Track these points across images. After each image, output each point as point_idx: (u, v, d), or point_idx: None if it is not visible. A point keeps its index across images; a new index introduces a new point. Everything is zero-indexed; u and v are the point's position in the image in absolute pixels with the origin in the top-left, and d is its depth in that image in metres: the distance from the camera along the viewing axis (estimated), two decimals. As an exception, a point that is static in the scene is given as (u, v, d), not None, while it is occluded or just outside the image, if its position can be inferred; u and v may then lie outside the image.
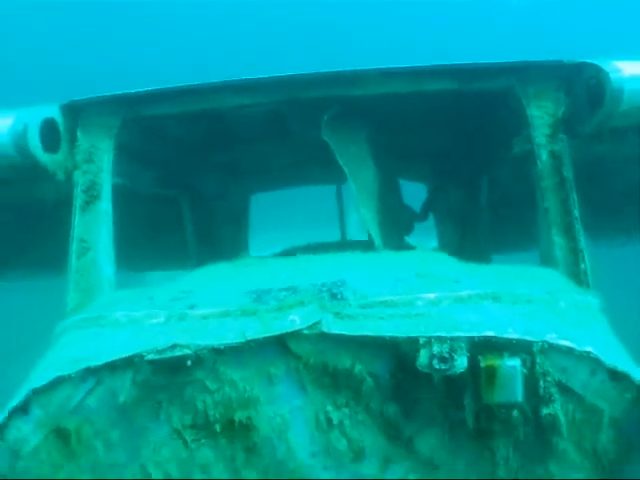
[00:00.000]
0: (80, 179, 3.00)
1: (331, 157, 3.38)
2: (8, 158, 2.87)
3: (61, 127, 3.01)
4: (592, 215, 3.02)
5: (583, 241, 2.75)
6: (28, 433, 2.07)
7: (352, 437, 2.05)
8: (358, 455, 2.06)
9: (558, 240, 2.77)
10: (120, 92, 3.01)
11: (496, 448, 2.03)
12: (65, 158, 3.03)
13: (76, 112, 3.04)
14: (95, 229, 2.93)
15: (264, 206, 5.34)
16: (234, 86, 3.00)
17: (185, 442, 2.06)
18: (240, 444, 2.05)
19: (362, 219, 3.22)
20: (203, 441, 2.06)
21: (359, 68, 2.92)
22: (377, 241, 3.15)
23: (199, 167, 4.29)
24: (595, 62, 2.73)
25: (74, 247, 2.91)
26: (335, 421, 2.04)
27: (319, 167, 4.44)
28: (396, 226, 3.92)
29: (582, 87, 2.80)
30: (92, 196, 2.99)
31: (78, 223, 2.94)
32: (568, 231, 2.77)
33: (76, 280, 2.86)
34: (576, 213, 2.77)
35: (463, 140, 3.95)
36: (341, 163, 3.18)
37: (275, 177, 4.78)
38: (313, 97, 3.01)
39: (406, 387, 2.04)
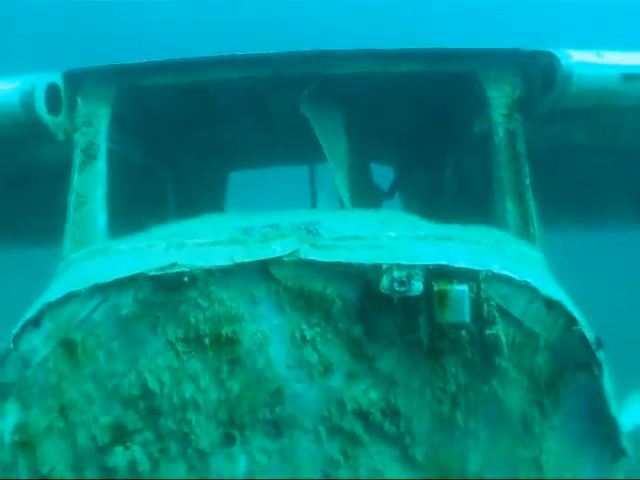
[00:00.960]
0: (79, 140, 3.28)
1: (305, 138, 3.72)
2: (15, 116, 3.15)
3: (62, 93, 3.29)
4: (551, 205, 3.43)
5: (533, 207, 3.13)
6: (38, 345, 2.38)
7: (322, 353, 2.40)
8: (327, 369, 2.40)
9: (510, 207, 3.15)
10: (115, 63, 3.32)
11: (447, 366, 2.39)
12: (65, 121, 3.30)
13: (76, 80, 3.32)
14: (92, 185, 3.22)
15: (240, 186, 5.65)
16: (220, 60, 3.30)
17: (177, 353, 2.38)
18: (225, 357, 2.38)
19: (334, 185, 3.56)
20: (193, 353, 2.39)
21: (335, 48, 3.27)
22: (347, 204, 3.51)
23: (181, 142, 4.58)
24: (549, 50, 3.13)
25: (72, 200, 3.19)
26: (308, 338, 2.39)
27: (293, 148, 4.78)
28: (365, 201, 4.28)
29: (537, 72, 3.18)
30: (90, 155, 3.27)
31: (76, 179, 3.22)
32: (520, 198, 3.15)
33: (73, 231, 3.14)
34: (527, 182, 3.16)
35: (428, 123, 4.31)
36: (317, 135, 3.53)
37: (251, 156, 5.09)
38: (293, 74, 3.34)
39: (370, 311, 2.39)
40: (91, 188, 3.21)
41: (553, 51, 3.09)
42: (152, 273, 2.31)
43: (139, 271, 2.34)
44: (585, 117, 3.37)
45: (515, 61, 3.25)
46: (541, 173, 3.42)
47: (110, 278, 2.35)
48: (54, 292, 2.40)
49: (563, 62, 3.01)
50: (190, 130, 4.44)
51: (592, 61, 3.05)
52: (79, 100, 3.31)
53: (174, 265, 2.32)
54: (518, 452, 2.43)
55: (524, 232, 3.08)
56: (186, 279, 2.32)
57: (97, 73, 3.32)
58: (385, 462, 2.45)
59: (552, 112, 3.24)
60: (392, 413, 2.43)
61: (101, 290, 2.35)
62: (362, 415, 2.42)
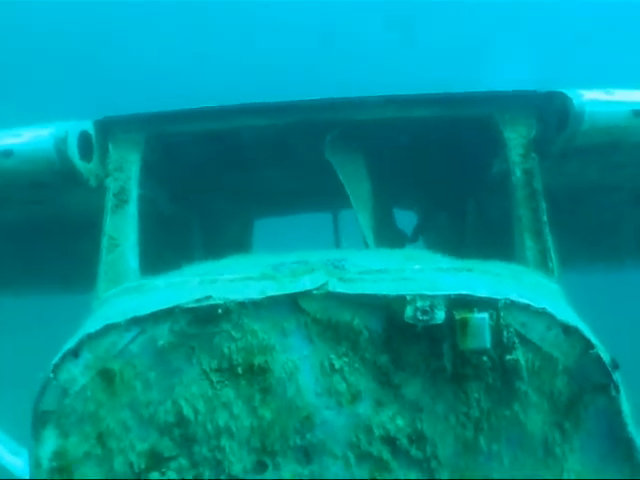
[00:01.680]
0: (111, 184, 3.48)
1: (328, 185, 3.91)
2: (49, 161, 3.35)
3: (94, 140, 3.51)
4: (570, 244, 3.56)
5: (551, 242, 3.27)
6: (77, 374, 2.54)
7: (350, 381, 2.52)
8: (355, 397, 2.53)
9: (529, 243, 3.29)
10: (144, 112, 3.55)
11: (470, 391, 2.50)
12: (97, 167, 3.52)
13: (107, 128, 3.55)
14: (123, 228, 3.41)
15: (265, 234, 5.85)
16: (245, 108, 3.52)
17: (211, 382, 2.52)
18: (257, 385, 2.51)
19: (359, 230, 3.73)
20: (226, 382, 2.52)
21: (358, 95, 3.49)
22: (372, 245, 3.67)
23: (208, 189, 4.80)
24: (562, 90, 3.31)
25: (104, 243, 3.38)
26: (336, 367, 2.52)
27: (317, 195, 4.98)
28: (389, 245, 4.43)
29: (551, 112, 3.36)
30: (122, 200, 3.47)
31: (109, 223, 3.41)
32: (538, 235, 3.29)
33: (105, 271, 3.32)
34: (545, 219, 3.30)
35: (448, 166, 4.49)
36: (341, 179, 3.72)
37: (276, 203, 5.29)
38: (316, 120, 3.56)
39: (395, 340, 2.52)
40: (123, 231, 3.39)
41: (565, 91, 3.26)
42: (188, 306, 2.48)
43: (175, 304, 2.50)
44: (599, 154, 3.52)
45: (529, 103, 3.43)
46: (560, 213, 3.57)
47: (147, 311, 2.52)
48: (92, 324, 2.57)
49: (575, 101, 3.18)
50: (216, 177, 4.65)
51: (602, 99, 3.22)
52: (110, 147, 3.53)
53: (209, 298, 2.48)
54: (540, 474, 2.51)
55: (542, 266, 3.20)
56: (220, 311, 2.47)
57: (127, 121, 3.54)
58: None
59: (566, 150, 3.40)
60: (418, 438, 2.53)
61: (138, 322, 2.52)
62: (389, 441, 2.52)
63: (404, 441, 2.53)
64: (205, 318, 2.50)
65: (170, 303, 2.52)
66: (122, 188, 3.49)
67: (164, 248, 4.73)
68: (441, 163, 4.42)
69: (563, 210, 4.35)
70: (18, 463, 3.95)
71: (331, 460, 2.53)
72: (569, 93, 3.24)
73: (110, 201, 3.46)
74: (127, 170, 3.51)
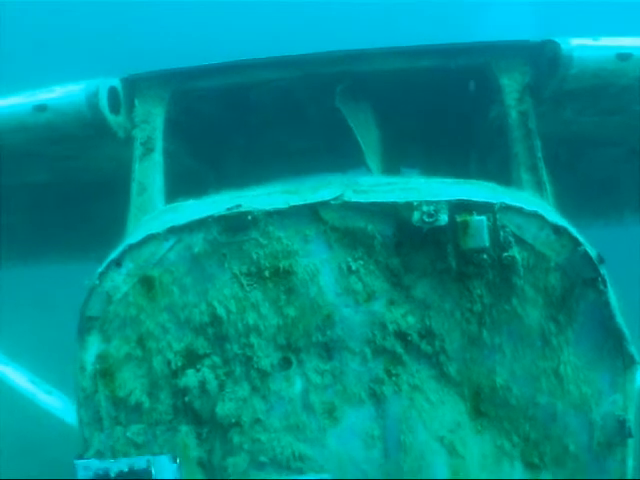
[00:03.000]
0: (138, 135, 3.82)
1: (338, 145, 4.23)
2: (81, 114, 3.71)
3: (121, 95, 3.85)
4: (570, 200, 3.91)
5: (545, 176, 3.61)
6: (120, 282, 2.88)
7: (366, 282, 2.86)
8: (370, 296, 2.87)
9: (525, 177, 3.63)
10: (167, 68, 3.88)
11: (473, 288, 2.85)
12: (124, 120, 3.86)
13: (133, 84, 3.89)
14: (150, 174, 3.74)
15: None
16: (261, 62, 3.84)
17: (241, 285, 2.86)
18: (283, 287, 2.85)
19: (369, 170, 4.06)
20: (255, 285, 2.86)
21: (364, 47, 3.84)
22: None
23: (224, 146, 5.13)
24: (553, 38, 3.65)
25: (134, 188, 3.72)
26: (353, 269, 2.86)
27: (327, 154, 5.31)
28: None
29: (544, 59, 3.69)
30: (148, 148, 3.81)
31: (137, 169, 3.76)
32: (533, 169, 3.62)
33: (135, 213, 3.66)
34: (539, 155, 3.64)
35: (449, 120, 4.83)
36: (351, 126, 4.06)
37: (288, 163, 5.60)
38: (327, 72, 3.90)
39: (405, 245, 2.87)
40: (150, 176, 3.73)
41: (556, 39, 3.62)
42: (220, 214, 2.82)
43: (208, 214, 2.85)
44: (589, 98, 3.86)
45: (524, 51, 3.77)
46: (560, 169, 3.91)
47: (183, 222, 2.86)
48: (134, 236, 2.91)
49: (563, 47, 3.53)
50: (231, 135, 4.98)
51: (589, 44, 3.57)
52: (136, 101, 3.86)
53: (239, 206, 2.83)
54: (539, 364, 2.85)
55: (538, 195, 3.54)
56: (249, 218, 2.81)
57: (151, 77, 3.89)
58: (423, 379, 2.88)
59: (559, 94, 3.74)
60: (427, 334, 2.87)
61: (175, 232, 2.86)
62: (401, 336, 2.86)
63: (415, 336, 2.87)
64: (235, 227, 2.84)
65: (204, 214, 2.86)
66: (148, 138, 3.83)
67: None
68: (443, 115, 4.75)
69: (563, 166, 4.72)
70: (53, 402, 4.29)
71: (350, 356, 2.87)
72: (559, 40, 3.59)
73: (138, 150, 3.80)
74: (152, 122, 3.85)
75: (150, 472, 2.54)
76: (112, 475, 2.52)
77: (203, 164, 5.15)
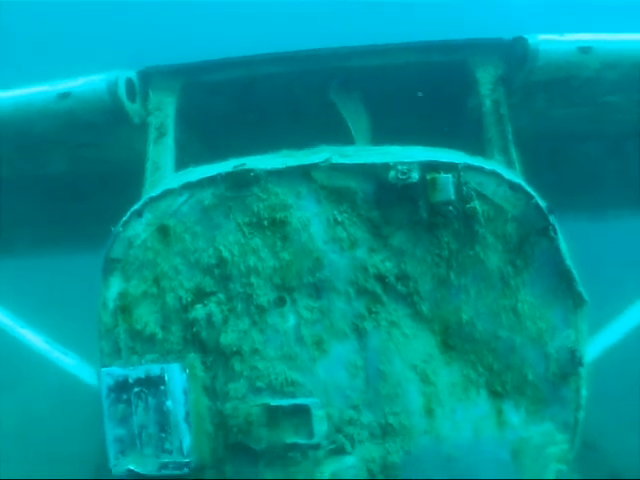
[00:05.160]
0: (152, 121, 4.43)
1: (333, 136, 4.80)
2: (102, 101, 4.32)
3: (137, 86, 4.46)
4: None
5: (516, 156, 4.16)
6: (140, 230, 3.45)
7: (349, 232, 3.41)
8: (353, 244, 3.42)
9: (498, 157, 4.19)
10: (178, 63, 4.49)
11: (441, 236, 3.39)
12: (139, 108, 4.46)
13: (147, 76, 4.50)
14: (163, 155, 4.33)
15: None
16: (263, 58, 4.45)
17: (244, 233, 3.41)
18: (279, 234, 3.41)
19: None
20: (255, 233, 3.42)
21: (355, 45, 4.44)
22: None
23: (230, 136, 5.70)
24: (522, 35, 4.24)
25: (148, 167, 4.30)
26: (339, 220, 3.41)
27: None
28: None
29: (514, 54, 4.27)
30: (161, 133, 4.41)
31: (152, 150, 4.35)
32: (505, 151, 4.19)
33: (148, 191, 4.22)
34: (510, 138, 4.20)
35: (432, 113, 5.40)
36: (343, 115, 4.66)
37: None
38: (322, 67, 4.50)
39: (384, 200, 3.42)
40: (163, 157, 4.32)
41: (525, 35, 4.21)
42: (227, 171, 3.40)
43: (217, 172, 3.42)
44: (557, 89, 4.44)
45: (497, 48, 4.36)
46: (541, 167, 4.47)
47: (195, 179, 3.44)
48: (154, 191, 3.49)
49: (530, 42, 4.12)
50: (237, 125, 5.57)
51: (554, 39, 4.16)
52: (150, 92, 4.49)
53: (244, 165, 3.40)
54: (500, 302, 3.38)
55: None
56: (252, 175, 3.38)
57: (163, 70, 4.51)
58: (400, 316, 3.41)
59: (528, 85, 4.32)
60: (403, 277, 3.41)
61: (188, 187, 3.44)
62: (380, 278, 3.40)
63: (392, 279, 3.41)
64: (240, 183, 3.41)
65: (213, 172, 3.44)
66: (161, 124, 4.43)
67: None
68: (430, 108, 5.33)
69: (544, 164, 5.31)
70: (81, 369, 4.80)
71: (336, 295, 3.41)
72: (528, 37, 4.19)
73: (152, 134, 4.41)
74: (164, 110, 4.46)
75: (163, 378, 3.08)
76: (130, 381, 3.05)
77: (211, 151, 5.73)
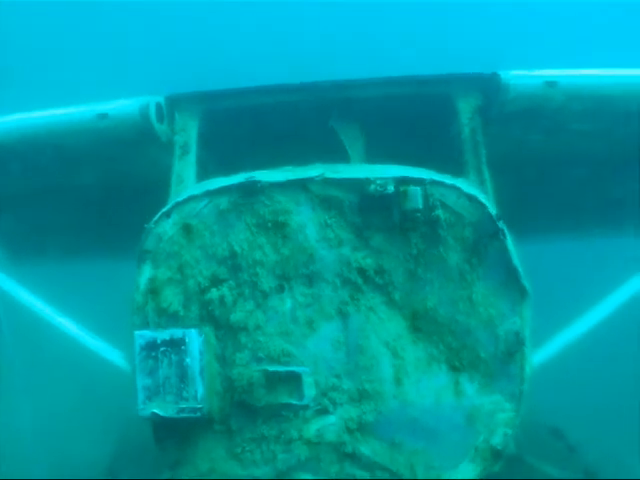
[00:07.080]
0: (178, 140, 5.30)
1: (332, 158, 5.59)
2: (134, 122, 5.20)
3: (164, 109, 5.33)
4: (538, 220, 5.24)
5: (488, 178, 4.97)
6: (168, 228, 4.33)
7: (337, 233, 4.26)
8: (340, 243, 4.26)
9: (472, 177, 5.01)
10: (200, 90, 5.35)
11: (411, 238, 4.23)
12: (166, 128, 5.33)
13: (174, 101, 5.37)
14: (187, 170, 5.21)
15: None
16: (273, 88, 5.29)
17: (252, 232, 4.27)
18: (280, 234, 4.26)
19: None
20: (261, 232, 4.27)
21: (353, 78, 5.28)
22: None
23: (244, 158, 6.52)
24: (497, 71, 5.01)
25: (173, 179, 5.16)
26: (329, 224, 4.26)
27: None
28: None
29: (491, 88, 5.06)
30: (185, 150, 5.26)
31: (177, 165, 5.21)
32: (479, 172, 5.01)
33: (173, 198, 5.01)
34: (484, 161, 5.01)
35: (424, 139, 6.19)
36: (343, 140, 5.52)
37: None
38: (325, 97, 5.34)
39: (366, 208, 4.26)
40: (186, 171, 5.19)
41: (499, 71, 5.00)
42: (239, 182, 4.27)
43: (231, 183, 4.30)
44: (529, 119, 5.20)
45: (475, 82, 5.16)
46: (527, 189, 5.25)
47: (214, 187, 4.32)
48: (180, 197, 4.38)
49: (502, 77, 4.92)
50: (248, 149, 6.34)
51: (524, 74, 4.95)
52: (176, 115, 5.36)
53: (253, 177, 4.28)
54: (458, 293, 4.19)
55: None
56: (259, 185, 4.24)
57: (187, 97, 5.38)
58: (376, 303, 4.24)
59: (502, 114, 5.10)
60: (380, 271, 4.24)
61: (209, 194, 4.31)
62: (362, 272, 4.23)
63: (371, 272, 4.24)
64: (250, 192, 4.26)
65: (228, 182, 4.32)
66: (185, 142, 5.29)
67: None
68: (420, 135, 6.14)
69: (529, 187, 6.09)
70: (112, 354, 5.68)
71: (325, 284, 4.25)
72: (501, 72, 4.98)
73: (177, 151, 5.27)
74: (188, 131, 5.32)
75: (184, 340, 3.96)
76: (158, 342, 3.94)
77: (226, 167, 6.58)
